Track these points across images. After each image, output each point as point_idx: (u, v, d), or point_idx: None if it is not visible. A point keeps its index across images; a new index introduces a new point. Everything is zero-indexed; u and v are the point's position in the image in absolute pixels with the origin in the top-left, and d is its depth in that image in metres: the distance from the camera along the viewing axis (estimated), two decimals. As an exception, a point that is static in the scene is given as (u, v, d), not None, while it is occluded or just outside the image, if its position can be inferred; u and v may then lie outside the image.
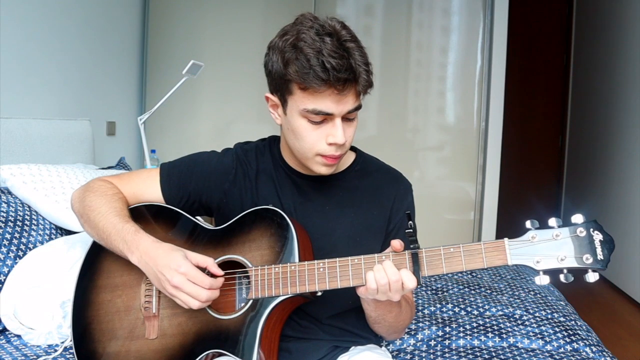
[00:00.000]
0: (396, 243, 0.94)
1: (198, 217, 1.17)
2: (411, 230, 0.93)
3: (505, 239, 0.91)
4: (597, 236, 0.88)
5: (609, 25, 3.88)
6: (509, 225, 3.34)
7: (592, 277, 0.87)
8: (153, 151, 2.91)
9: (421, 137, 3.29)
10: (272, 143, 1.19)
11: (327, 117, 0.99)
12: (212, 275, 1.00)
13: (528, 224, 0.90)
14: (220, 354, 1.03)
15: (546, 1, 4.72)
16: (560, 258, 0.88)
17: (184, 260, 0.96)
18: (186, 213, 1.14)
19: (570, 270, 0.88)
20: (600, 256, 0.87)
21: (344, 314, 1.14)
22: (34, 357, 1.25)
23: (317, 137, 1.01)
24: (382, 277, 0.92)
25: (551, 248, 0.89)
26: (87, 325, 1.10)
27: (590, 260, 0.87)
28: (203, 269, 0.99)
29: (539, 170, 4.85)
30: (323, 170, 1.06)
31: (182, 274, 0.95)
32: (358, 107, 1.02)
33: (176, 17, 3.18)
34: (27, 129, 1.92)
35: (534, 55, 4.71)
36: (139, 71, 3.15)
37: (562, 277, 0.89)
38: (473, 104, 3.19)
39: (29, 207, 1.60)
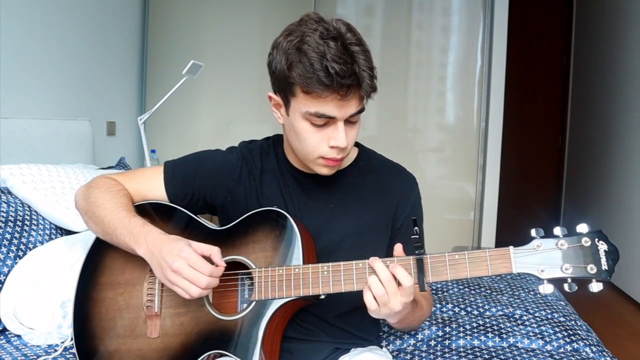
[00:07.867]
0: (399, 248, 0.94)
1: (200, 217, 1.17)
2: (417, 237, 0.92)
3: (510, 247, 0.90)
4: (602, 246, 0.87)
5: (609, 25, 3.88)
6: (509, 226, 3.35)
7: (595, 287, 0.87)
8: (153, 151, 2.91)
9: (421, 137, 3.29)
10: (277, 142, 1.19)
11: (329, 120, 0.99)
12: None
13: (533, 232, 0.90)
14: (222, 355, 1.03)
15: (546, 1, 4.72)
16: (565, 267, 0.88)
17: (187, 247, 0.96)
18: (190, 211, 1.14)
19: (575, 279, 0.88)
20: (604, 266, 0.87)
21: (348, 313, 1.14)
22: (34, 357, 1.25)
23: (319, 139, 1.01)
24: (375, 282, 0.91)
25: (556, 257, 0.88)
26: (89, 322, 1.10)
27: (595, 271, 0.87)
28: (210, 261, 0.99)
29: (539, 170, 4.84)
30: (324, 171, 1.06)
31: (183, 259, 0.94)
32: (361, 110, 1.02)
33: (176, 17, 3.18)
34: (27, 129, 1.92)
35: (534, 55, 4.71)
36: (139, 71, 3.15)
37: (566, 287, 0.88)
38: (473, 104, 3.19)
39: (29, 207, 1.60)
